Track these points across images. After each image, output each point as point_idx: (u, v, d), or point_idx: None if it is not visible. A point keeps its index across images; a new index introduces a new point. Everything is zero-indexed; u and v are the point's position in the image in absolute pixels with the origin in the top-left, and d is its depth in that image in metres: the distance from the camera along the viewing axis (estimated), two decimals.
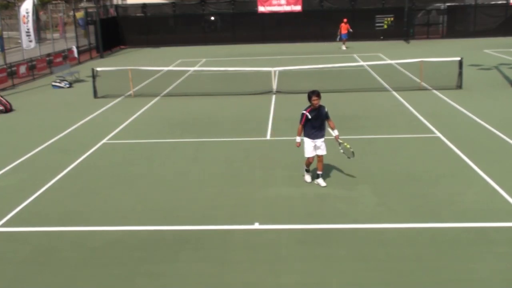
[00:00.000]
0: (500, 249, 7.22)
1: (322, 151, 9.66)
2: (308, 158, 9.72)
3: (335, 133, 9.69)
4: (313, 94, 9.36)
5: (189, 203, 9.25)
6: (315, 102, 9.31)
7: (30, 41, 25.66)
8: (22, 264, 7.30)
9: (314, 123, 9.46)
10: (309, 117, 9.41)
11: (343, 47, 33.14)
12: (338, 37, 33.50)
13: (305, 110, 9.49)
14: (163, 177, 10.64)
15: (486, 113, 14.85)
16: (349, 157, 9.90)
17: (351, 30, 33.36)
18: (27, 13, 25.13)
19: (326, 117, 9.58)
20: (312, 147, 9.58)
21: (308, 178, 9.98)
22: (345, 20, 33.39)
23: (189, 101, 18.41)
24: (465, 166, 10.66)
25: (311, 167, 10.05)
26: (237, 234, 7.99)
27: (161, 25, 40.51)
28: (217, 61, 29.66)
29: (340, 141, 9.81)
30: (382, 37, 29.66)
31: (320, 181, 9.76)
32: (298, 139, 9.71)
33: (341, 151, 9.91)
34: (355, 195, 9.31)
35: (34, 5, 25.52)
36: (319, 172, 9.78)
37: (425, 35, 38.51)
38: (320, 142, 9.57)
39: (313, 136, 9.54)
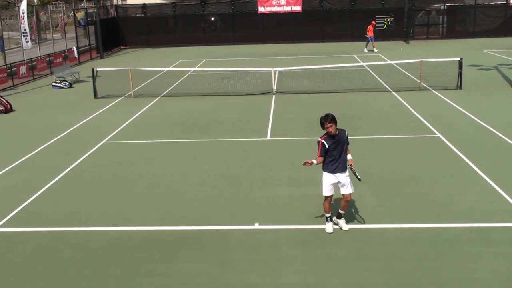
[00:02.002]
0: (500, 249, 7.22)
1: (348, 189, 7.74)
2: (326, 197, 7.82)
3: (349, 156, 7.85)
4: (326, 120, 7.48)
5: (189, 203, 9.25)
6: (330, 130, 7.49)
7: (27, 41, 25.79)
8: (22, 264, 7.30)
9: (334, 153, 7.58)
10: (326, 146, 7.54)
11: (371, 49, 31.59)
12: (367, 40, 32.08)
13: (321, 137, 7.66)
14: (163, 177, 10.64)
15: (486, 113, 14.86)
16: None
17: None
18: (23, 13, 25.31)
19: (347, 143, 7.75)
20: (332, 184, 7.73)
21: (329, 228, 7.93)
22: (373, 22, 32.33)
23: (189, 101, 18.41)
24: (465, 166, 10.65)
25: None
26: (237, 234, 7.99)
27: (161, 26, 40.55)
28: (217, 62, 29.67)
29: (353, 168, 7.81)
30: (401, 49, 28.99)
31: (342, 222, 8.00)
32: (314, 161, 7.62)
33: (358, 176, 7.74)
34: (355, 195, 9.27)
35: (32, 5, 25.71)
36: (341, 212, 7.97)
37: (425, 36, 38.54)
38: (343, 177, 7.69)
39: (333, 170, 7.66)
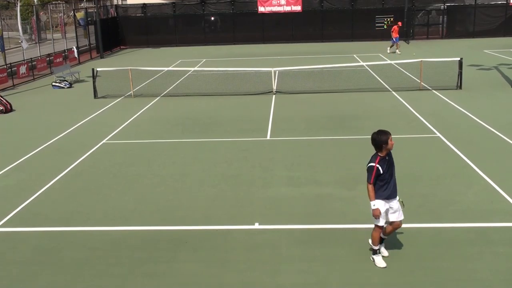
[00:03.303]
0: (500, 249, 7.22)
1: (399, 215, 6.86)
2: (378, 228, 6.89)
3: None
4: (387, 134, 6.83)
5: (189, 203, 9.25)
6: (392, 143, 6.87)
7: (21, 41, 25.90)
8: (22, 264, 7.30)
9: (386, 176, 6.78)
10: (381, 171, 6.74)
11: (397, 51, 30.22)
12: (392, 41, 30.53)
13: (373, 161, 6.82)
14: (163, 177, 10.64)
15: (486, 113, 14.85)
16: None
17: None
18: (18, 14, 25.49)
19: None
20: (385, 211, 6.82)
21: (381, 262, 6.92)
22: (399, 23, 31.12)
23: (189, 101, 18.41)
24: (465, 166, 10.65)
25: None
26: (237, 234, 7.98)
27: (161, 25, 40.57)
28: (217, 61, 29.67)
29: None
30: (414, 54, 28.52)
31: (382, 248, 7.16)
32: (374, 204, 6.72)
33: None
34: (355, 195, 9.29)
35: (32, 5, 25.94)
36: (384, 236, 7.05)
37: (425, 36, 38.55)
38: (395, 202, 6.83)
39: (387, 196, 6.77)
